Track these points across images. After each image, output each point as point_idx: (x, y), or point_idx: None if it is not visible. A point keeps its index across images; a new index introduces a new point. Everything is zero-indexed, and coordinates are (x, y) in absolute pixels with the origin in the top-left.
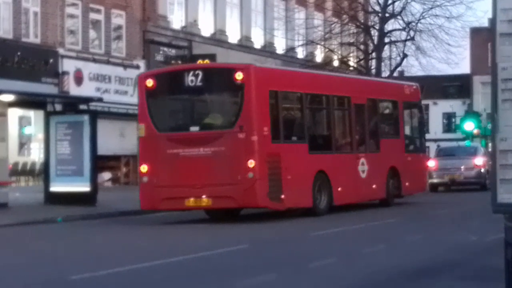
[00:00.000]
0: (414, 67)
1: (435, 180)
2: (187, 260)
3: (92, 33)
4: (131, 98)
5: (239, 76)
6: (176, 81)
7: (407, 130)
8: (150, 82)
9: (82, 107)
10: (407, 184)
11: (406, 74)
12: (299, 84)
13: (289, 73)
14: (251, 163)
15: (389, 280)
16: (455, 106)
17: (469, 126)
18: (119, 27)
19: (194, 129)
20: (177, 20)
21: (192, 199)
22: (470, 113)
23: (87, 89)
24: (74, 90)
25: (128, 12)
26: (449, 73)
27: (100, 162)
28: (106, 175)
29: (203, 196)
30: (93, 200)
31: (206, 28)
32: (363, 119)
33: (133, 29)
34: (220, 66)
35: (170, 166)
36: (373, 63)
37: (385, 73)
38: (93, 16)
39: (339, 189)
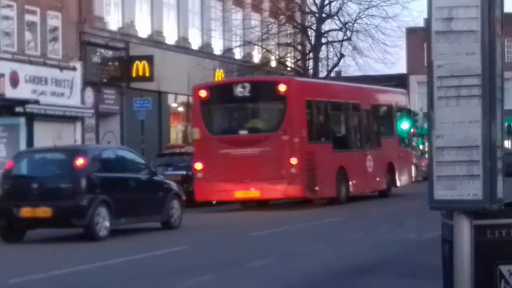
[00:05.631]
0: (351, 67)
1: None
2: (126, 263)
3: (27, 35)
4: (68, 100)
5: (282, 88)
6: (227, 92)
7: (399, 130)
8: (203, 93)
9: (18, 109)
10: (400, 177)
11: (343, 74)
12: (325, 94)
13: (318, 84)
14: (293, 161)
15: (327, 279)
16: None
17: (405, 125)
18: (55, 29)
19: (243, 132)
20: (113, 21)
21: (241, 191)
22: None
23: (23, 91)
24: (10, 92)
25: (64, 14)
26: (385, 73)
27: None
28: None
29: (252, 189)
30: None
31: (143, 29)
32: (369, 121)
33: (70, 31)
34: (266, 80)
35: (222, 163)
36: (310, 63)
37: (323, 73)
38: (28, 17)
39: (354, 181)
